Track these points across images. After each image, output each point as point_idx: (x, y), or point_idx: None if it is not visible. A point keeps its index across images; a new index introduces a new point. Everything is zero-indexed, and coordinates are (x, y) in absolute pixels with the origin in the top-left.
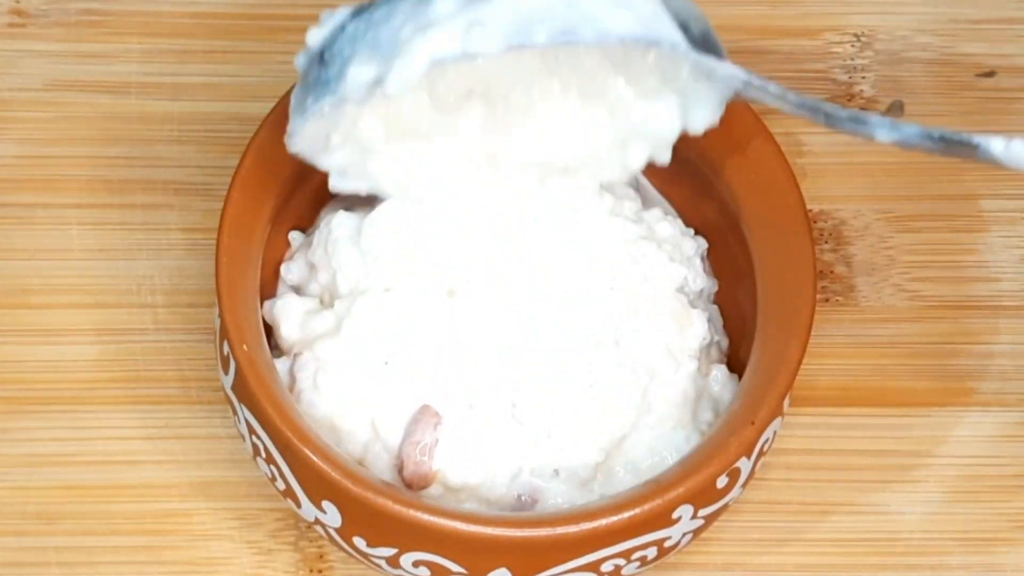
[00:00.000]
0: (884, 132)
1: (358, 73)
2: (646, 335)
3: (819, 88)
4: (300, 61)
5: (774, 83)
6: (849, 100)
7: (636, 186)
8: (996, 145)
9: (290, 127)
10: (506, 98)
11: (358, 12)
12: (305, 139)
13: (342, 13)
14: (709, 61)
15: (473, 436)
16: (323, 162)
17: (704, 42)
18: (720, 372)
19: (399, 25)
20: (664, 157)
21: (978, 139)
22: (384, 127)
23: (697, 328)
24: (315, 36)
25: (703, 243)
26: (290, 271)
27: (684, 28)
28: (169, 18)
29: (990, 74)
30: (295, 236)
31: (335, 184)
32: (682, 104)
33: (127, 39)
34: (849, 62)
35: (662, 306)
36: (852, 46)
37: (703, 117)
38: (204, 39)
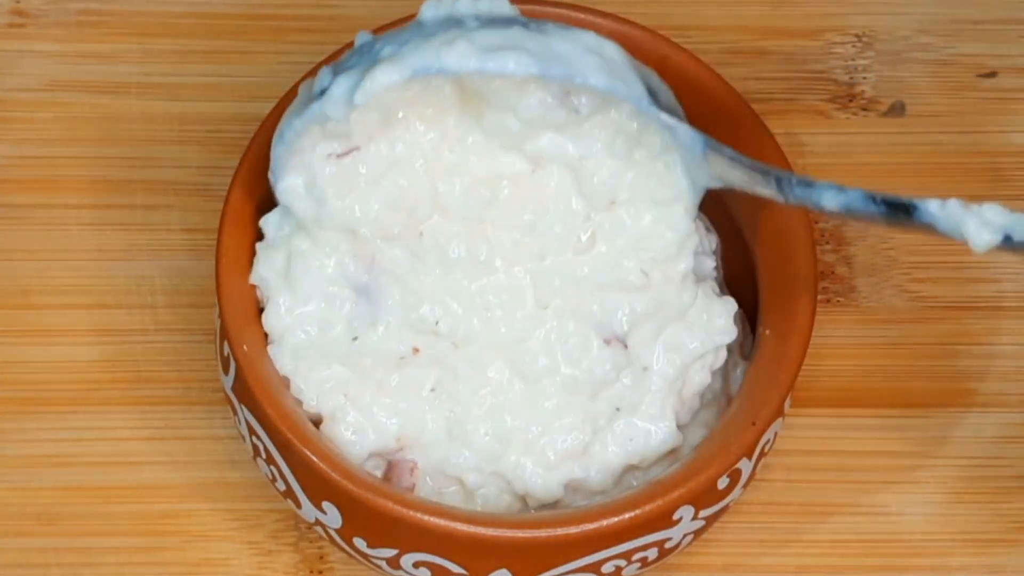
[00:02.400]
0: (830, 198)
1: (339, 85)
2: (666, 341)
3: (820, 88)
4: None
5: (729, 148)
6: (851, 100)
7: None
8: (932, 206)
9: (273, 162)
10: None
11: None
12: (297, 166)
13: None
14: (671, 121)
15: (454, 472)
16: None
17: (669, 112)
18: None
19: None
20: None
21: (916, 201)
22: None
23: (727, 324)
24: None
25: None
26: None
27: (651, 94)
28: (169, 18)
29: (991, 74)
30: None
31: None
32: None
33: (127, 39)
34: (850, 62)
35: (682, 310)
36: (853, 46)
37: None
38: (204, 39)
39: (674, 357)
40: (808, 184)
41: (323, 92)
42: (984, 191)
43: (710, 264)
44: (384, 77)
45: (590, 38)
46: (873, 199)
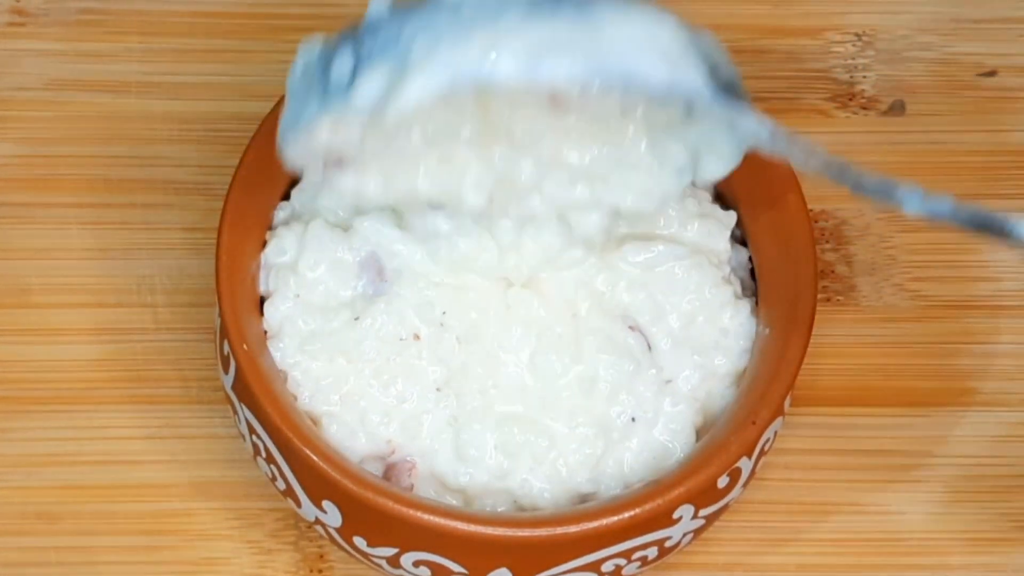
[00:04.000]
0: (913, 204)
1: (367, 85)
2: (693, 346)
3: (820, 88)
4: (299, 64)
5: (801, 138)
6: (850, 99)
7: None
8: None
9: (283, 135)
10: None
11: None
12: (302, 151)
13: (379, 6)
14: (733, 113)
15: (455, 486)
16: (334, 179)
17: (729, 89)
18: None
19: (432, 36)
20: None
21: (1011, 223)
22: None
23: (746, 345)
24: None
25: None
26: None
27: (710, 71)
28: (169, 18)
29: (991, 74)
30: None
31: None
32: (693, 153)
33: (127, 38)
34: (850, 61)
35: (707, 318)
36: (853, 45)
37: (717, 168)
38: (204, 39)
39: (696, 370)
40: (888, 191)
41: (340, 79)
42: (984, 190)
43: (744, 254)
44: (419, 91)
45: (646, 15)
46: (959, 213)
